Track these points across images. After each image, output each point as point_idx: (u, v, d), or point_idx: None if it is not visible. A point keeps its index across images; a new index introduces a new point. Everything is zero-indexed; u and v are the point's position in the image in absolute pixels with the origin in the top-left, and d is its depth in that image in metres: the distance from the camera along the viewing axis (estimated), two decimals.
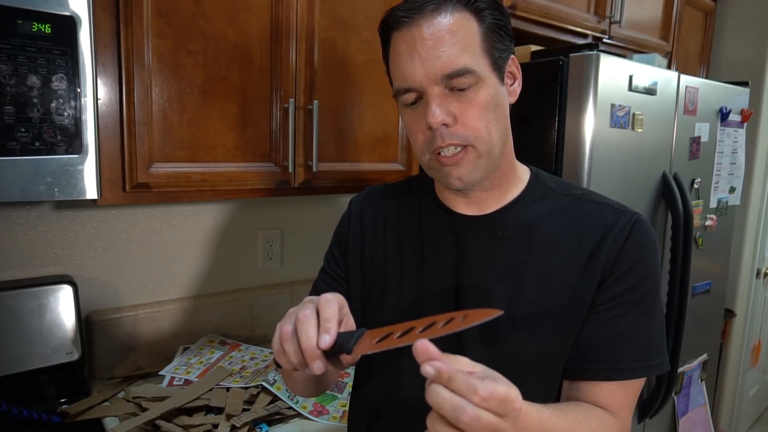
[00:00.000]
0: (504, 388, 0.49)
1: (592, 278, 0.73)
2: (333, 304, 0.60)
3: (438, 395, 0.48)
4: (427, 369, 0.48)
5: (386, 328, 0.58)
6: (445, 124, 0.69)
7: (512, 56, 0.76)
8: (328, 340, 0.56)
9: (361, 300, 0.86)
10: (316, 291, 0.91)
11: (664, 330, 0.76)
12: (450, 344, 0.68)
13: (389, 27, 0.72)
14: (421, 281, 0.80)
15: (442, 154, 0.71)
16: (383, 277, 0.84)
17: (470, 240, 0.78)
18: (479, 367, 0.52)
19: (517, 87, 0.78)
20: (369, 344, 0.57)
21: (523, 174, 0.82)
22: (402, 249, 0.83)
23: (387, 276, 0.84)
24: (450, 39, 0.68)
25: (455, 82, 0.68)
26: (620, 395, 0.74)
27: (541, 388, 0.76)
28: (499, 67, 0.72)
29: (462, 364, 0.51)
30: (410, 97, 0.71)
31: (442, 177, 0.74)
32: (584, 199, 0.79)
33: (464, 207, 0.80)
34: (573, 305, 0.74)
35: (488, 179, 0.76)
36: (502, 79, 0.73)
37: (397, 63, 0.71)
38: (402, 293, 0.82)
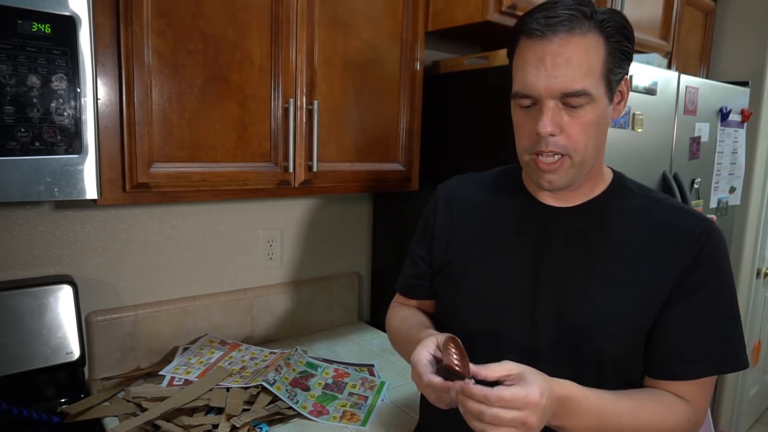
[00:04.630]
0: (513, 392, 0.64)
1: (666, 280, 0.78)
2: (424, 359, 0.75)
3: (465, 404, 0.67)
4: (457, 387, 0.68)
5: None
6: (551, 134, 0.76)
7: (626, 77, 0.81)
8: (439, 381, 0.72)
9: (446, 277, 0.94)
10: (406, 275, 1.03)
11: (740, 330, 0.81)
12: (522, 320, 0.84)
13: (521, 31, 0.78)
14: (503, 263, 0.87)
15: (541, 158, 0.78)
16: (467, 256, 0.91)
17: (552, 228, 0.85)
18: (515, 371, 0.68)
19: (622, 106, 0.84)
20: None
21: (607, 176, 0.88)
22: (487, 232, 0.90)
23: (470, 256, 0.90)
24: (576, 61, 0.73)
25: (571, 100, 0.74)
26: (696, 388, 0.80)
27: (608, 368, 0.82)
28: (611, 89, 0.78)
29: (502, 369, 0.68)
30: (526, 102, 0.78)
31: (535, 177, 0.81)
32: (663, 203, 0.84)
33: (550, 199, 0.87)
34: (642, 298, 0.79)
35: (576, 182, 0.82)
36: (611, 99, 0.80)
37: (523, 69, 0.77)
38: (483, 273, 0.88)
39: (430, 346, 0.76)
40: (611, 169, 0.90)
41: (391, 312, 1.06)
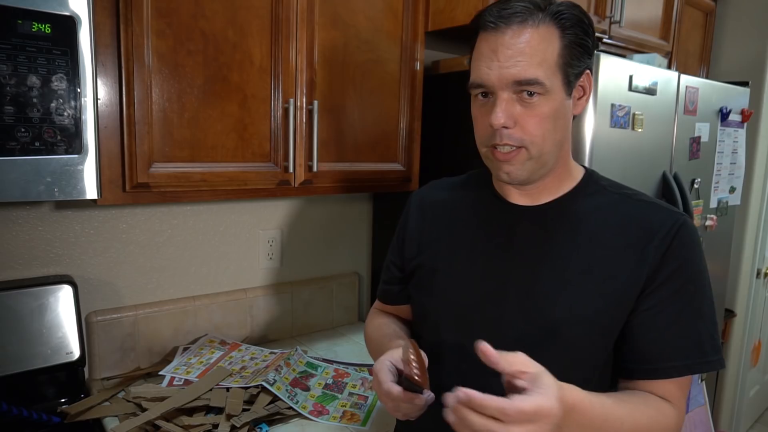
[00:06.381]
0: (532, 403, 0.57)
1: (638, 275, 0.77)
2: (385, 367, 0.75)
3: (468, 419, 0.58)
4: (460, 395, 0.58)
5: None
6: (505, 127, 0.75)
7: (587, 71, 0.80)
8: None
9: (418, 280, 0.94)
10: (382, 281, 1.04)
11: (715, 327, 0.79)
12: (491, 319, 0.81)
13: (478, 26, 0.78)
14: (471, 263, 0.86)
15: (498, 149, 0.77)
16: (436, 258, 0.90)
17: (520, 228, 0.84)
18: (531, 369, 0.61)
19: (584, 101, 0.83)
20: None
21: (577, 174, 0.87)
22: (456, 233, 0.90)
23: (440, 257, 0.90)
24: (529, 51, 0.73)
25: (524, 88, 0.74)
26: (675, 387, 0.78)
27: (582, 375, 0.80)
28: (569, 83, 0.78)
29: (518, 361, 0.61)
30: (480, 91, 0.79)
31: (494, 169, 0.82)
32: (634, 198, 0.83)
33: (518, 198, 0.86)
34: (614, 295, 0.77)
35: (540, 178, 0.81)
36: (570, 93, 0.79)
37: (478, 61, 0.78)
38: (452, 273, 0.88)
39: (393, 355, 0.76)
40: (584, 167, 0.89)
41: (369, 319, 1.06)
